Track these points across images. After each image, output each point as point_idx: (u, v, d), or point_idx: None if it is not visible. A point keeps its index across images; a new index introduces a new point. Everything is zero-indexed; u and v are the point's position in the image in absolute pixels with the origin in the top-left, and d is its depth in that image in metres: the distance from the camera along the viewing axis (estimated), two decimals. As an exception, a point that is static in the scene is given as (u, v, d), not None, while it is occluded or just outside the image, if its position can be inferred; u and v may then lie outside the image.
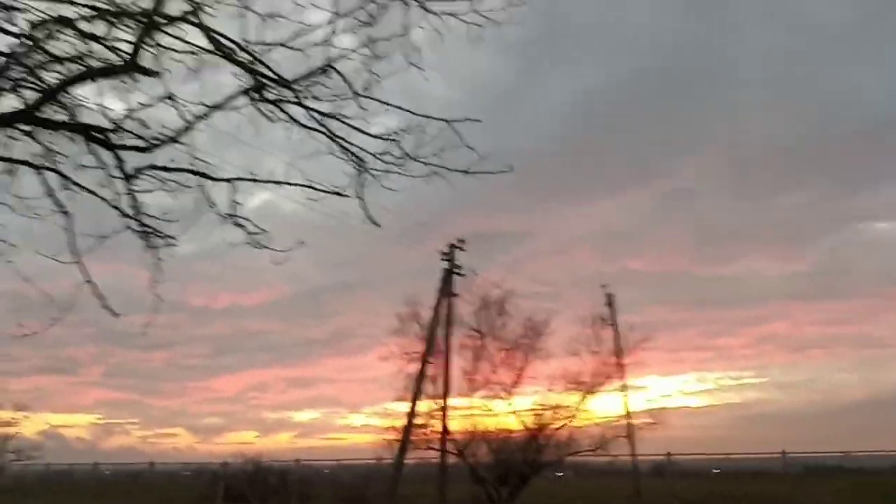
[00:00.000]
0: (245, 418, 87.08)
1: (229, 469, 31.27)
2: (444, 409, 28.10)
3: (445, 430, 27.97)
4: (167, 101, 5.97)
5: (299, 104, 6.09)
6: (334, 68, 5.86)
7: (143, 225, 6.50)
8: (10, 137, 6.38)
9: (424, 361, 28.48)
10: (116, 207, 6.45)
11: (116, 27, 5.80)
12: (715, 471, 30.49)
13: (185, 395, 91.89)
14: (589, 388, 28.11)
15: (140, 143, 6.20)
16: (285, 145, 6.63)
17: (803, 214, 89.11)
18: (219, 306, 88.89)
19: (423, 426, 28.62)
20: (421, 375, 28.37)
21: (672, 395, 56.38)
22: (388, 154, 6.20)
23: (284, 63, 6.08)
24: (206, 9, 5.79)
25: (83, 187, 6.48)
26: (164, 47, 5.83)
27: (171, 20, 5.75)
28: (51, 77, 6.22)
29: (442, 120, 5.83)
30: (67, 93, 6.06)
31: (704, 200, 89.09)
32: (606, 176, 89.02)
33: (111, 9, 5.79)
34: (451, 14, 5.96)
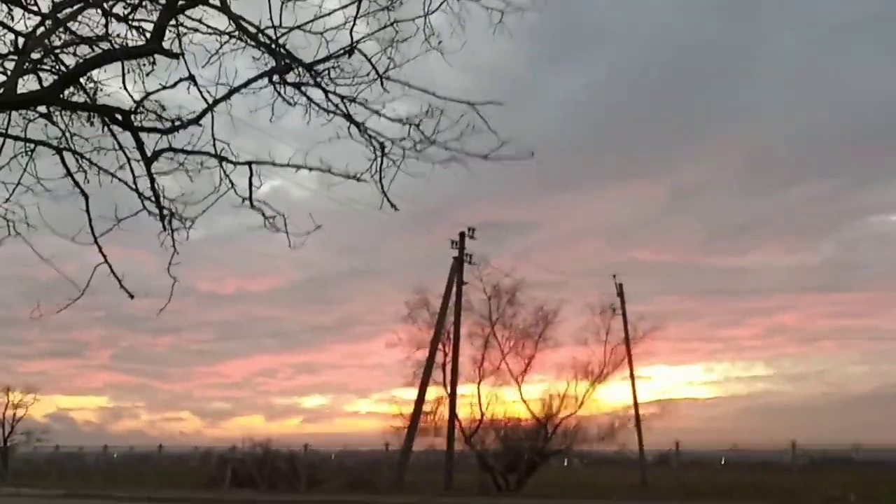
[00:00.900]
0: (252, 403, 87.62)
1: (237, 453, 31.38)
2: (452, 396, 28.14)
3: (453, 418, 28.01)
4: (188, 82, 5.95)
5: (320, 87, 6.06)
6: (359, 50, 5.83)
7: (161, 207, 6.50)
8: (29, 119, 6.40)
9: (433, 349, 28.51)
10: (135, 189, 6.46)
11: (139, 8, 5.79)
12: (722, 461, 30.45)
13: (193, 379, 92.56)
14: (597, 378, 28.17)
15: (159, 125, 6.20)
16: (299, 131, 6.62)
17: (815, 208, 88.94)
18: (226, 292, 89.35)
19: (431, 413, 28.69)
20: (429, 362, 28.41)
21: (680, 385, 56.49)
22: (407, 139, 6.17)
23: (303, 48, 6.06)
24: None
25: (102, 169, 6.49)
26: (187, 28, 5.82)
27: (194, 2, 5.73)
28: (71, 59, 6.23)
29: (465, 102, 5.77)
30: (89, 74, 6.05)
31: (716, 193, 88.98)
32: (618, 167, 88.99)
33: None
34: (472, -1, 5.91)
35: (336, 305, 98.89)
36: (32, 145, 6.41)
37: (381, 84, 5.98)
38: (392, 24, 5.86)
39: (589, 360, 28.33)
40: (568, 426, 27.65)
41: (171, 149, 6.23)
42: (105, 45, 6.10)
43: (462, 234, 29.79)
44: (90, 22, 6.15)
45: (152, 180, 6.33)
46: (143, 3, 6.05)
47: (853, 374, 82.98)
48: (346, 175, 6.27)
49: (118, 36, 6.12)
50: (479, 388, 28.14)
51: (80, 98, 6.42)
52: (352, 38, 5.88)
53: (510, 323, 28.63)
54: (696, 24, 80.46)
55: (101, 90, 6.53)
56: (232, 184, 6.34)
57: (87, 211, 6.45)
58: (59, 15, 5.74)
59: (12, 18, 6.24)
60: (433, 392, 28.63)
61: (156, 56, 6.01)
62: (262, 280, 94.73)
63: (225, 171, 6.31)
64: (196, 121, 6.01)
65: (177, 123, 6.04)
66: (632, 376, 32.84)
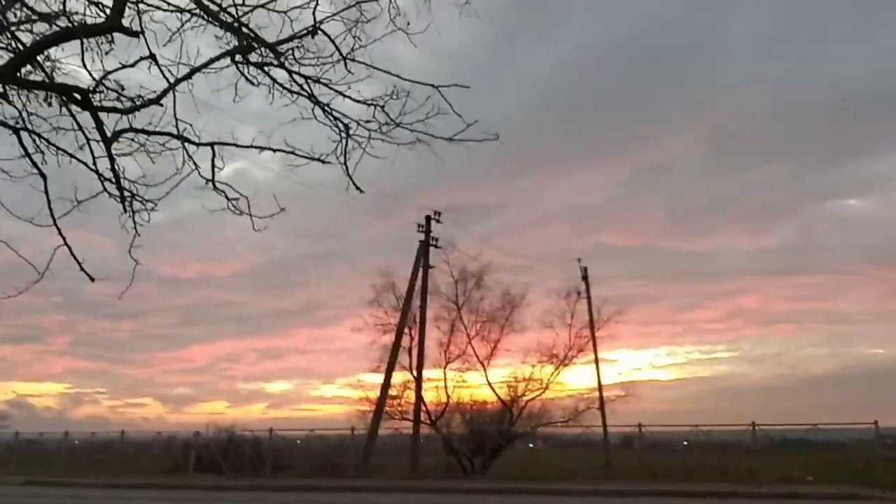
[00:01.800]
0: (216, 389, 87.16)
1: (201, 439, 31.18)
2: (418, 380, 28.23)
3: (419, 401, 28.13)
4: (148, 61, 5.84)
5: (283, 67, 6.00)
6: (322, 30, 5.77)
7: (122, 189, 6.40)
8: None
9: (399, 333, 28.55)
10: (95, 171, 6.33)
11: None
12: (684, 443, 30.93)
13: (155, 364, 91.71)
14: (562, 361, 28.47)
15: (119, 105, 6.09)
16: (262, 113, 6.54)
17: (775, 190, 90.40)
18: (188, 276, 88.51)
19: (397, 397, 28.79)
20: (396, 346, 28.45)
21: (643, 368, 57.25)
22: (372, 121, 6.14)
23: (266, 27, 5.98)
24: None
25: (61, 149, 6.36)
26: (147, 6, 5.70)
27: (155, -22, 5.62)
28: (28, 36, 6.08)
29: (429, 85, 5.75)
30: (46, 52, 5.91)
31: (679, 175, 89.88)
32: (582, 149, 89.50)
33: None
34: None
35: (300, 290, 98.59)
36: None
37: (346, 65, 5.93)
38: (357, 3, 5.82)
39: (554, 344, 28.65)
40: (533, 409, 27.95)
41: (131, 129, 6.12)
42: (63, 22, 5.96)
43: (428, 218, 29.82)
44: (47, -1, 6.01)
45: (112, 161, 6.20)
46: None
47: (812, 356, 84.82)
48: (311, 157, 6.21)
49: (76, 13, 5.97)
50: (445, 372, 28.31)
51: (37, 76, 6.26)
52: (314, 17, 5.83)
53: (476, 307, 28.80)
54: (663, 2, 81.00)
55: (59, 69, 6.39)
56: (195, 165, 6.26)
57: (46, 192, 6.31)
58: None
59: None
60: (399, 376, 28.74)
61: (115, 34, 5.88)
62: (224, 264, 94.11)
63: (188, 153, 6.22)
64: (157, 101, 5.91)
65: (137, 103, 5.94)
66: (596, 359, 33.25)
